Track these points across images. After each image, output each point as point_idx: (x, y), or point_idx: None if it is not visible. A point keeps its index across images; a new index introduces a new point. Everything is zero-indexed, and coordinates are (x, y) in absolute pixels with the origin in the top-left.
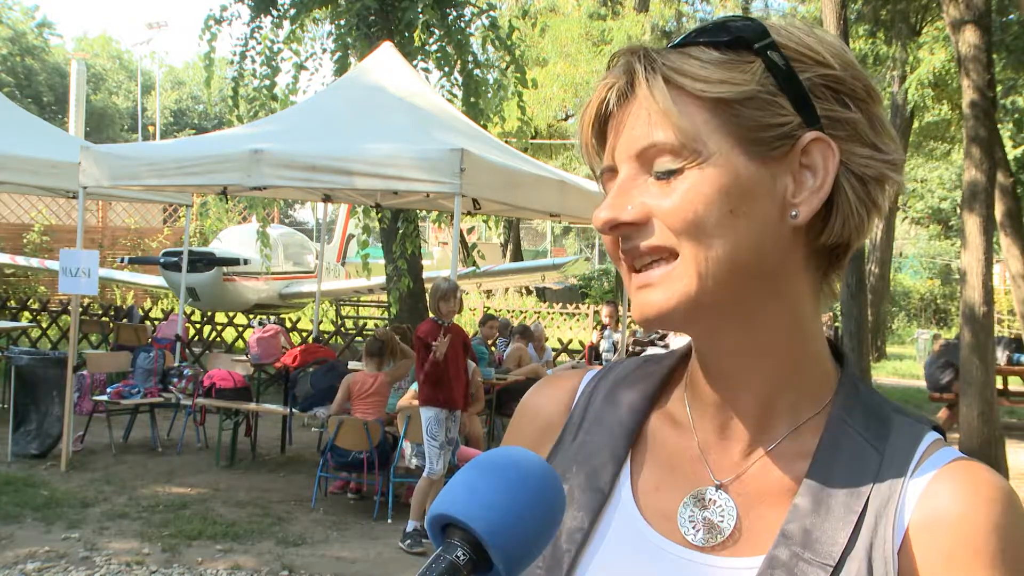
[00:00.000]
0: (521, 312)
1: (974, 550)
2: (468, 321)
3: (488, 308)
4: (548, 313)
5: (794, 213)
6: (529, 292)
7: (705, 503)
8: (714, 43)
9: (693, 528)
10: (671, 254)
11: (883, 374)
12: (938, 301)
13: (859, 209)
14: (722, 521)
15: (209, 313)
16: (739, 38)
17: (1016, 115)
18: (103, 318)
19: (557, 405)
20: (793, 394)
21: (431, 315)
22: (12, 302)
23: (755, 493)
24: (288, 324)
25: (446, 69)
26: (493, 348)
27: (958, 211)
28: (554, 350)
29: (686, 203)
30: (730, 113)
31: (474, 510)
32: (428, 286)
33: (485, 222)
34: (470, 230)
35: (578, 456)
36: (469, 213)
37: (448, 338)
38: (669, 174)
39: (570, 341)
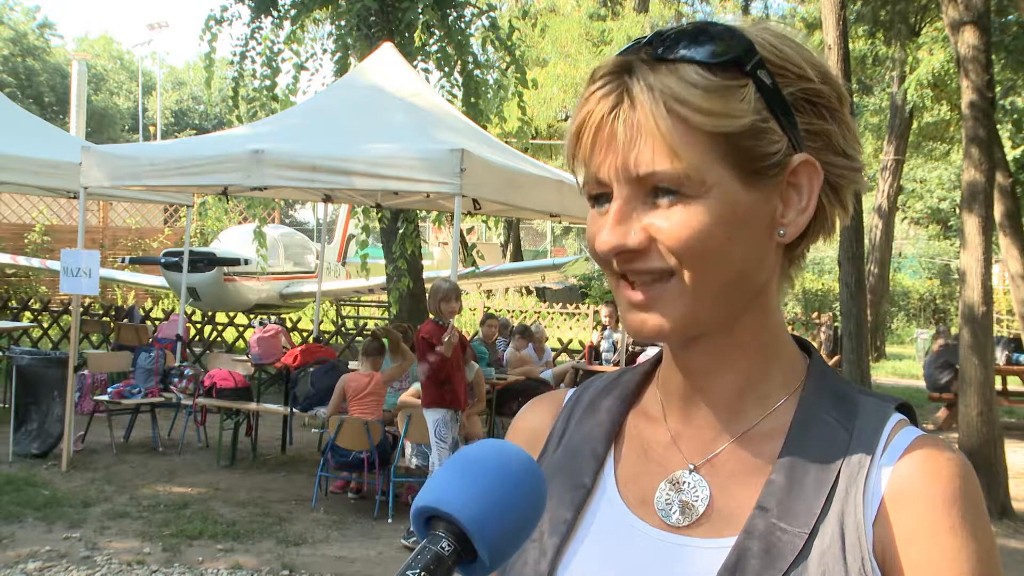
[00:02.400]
0: (521, 312)
1: (936, 520)
2: (468, 321)
3: (488, 308)
4: (548, 313)
5: (782, 232)
6: (529, 292)
7: (679, 486)
8: (706, 64)
9: (669, 510)
10: (669, 274)
11: (883, 374)
12: (937, 301)
13: (831, 215)
14: (696, 501)
15: (210, 313)
16: (732, 60)
17: (1015, 116)
18: (104, 318)
19: (543, 420)
20: (764, 384)
21: (431, 316)
22: (13, 302)
23: (728, 474)
24: (289, 324)
25: (446, 69)
26: (493, 348)
27: (957, 211)
28: (554, 350)
29: (688, 231)
30: (730, 145)
31: (458, 501)
32: (428, 286)
33: (485, 222)
34: (470, 230)
35: (562, 460)
36: (469, 213)
37: (456, 333)
38: (669, 201)
39: (570, 341)
